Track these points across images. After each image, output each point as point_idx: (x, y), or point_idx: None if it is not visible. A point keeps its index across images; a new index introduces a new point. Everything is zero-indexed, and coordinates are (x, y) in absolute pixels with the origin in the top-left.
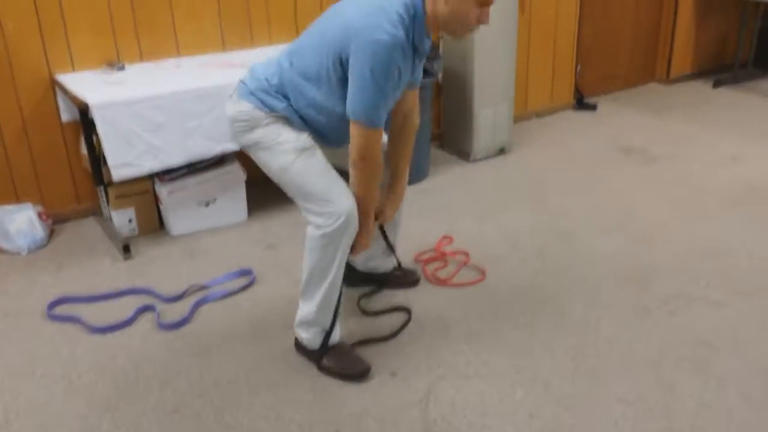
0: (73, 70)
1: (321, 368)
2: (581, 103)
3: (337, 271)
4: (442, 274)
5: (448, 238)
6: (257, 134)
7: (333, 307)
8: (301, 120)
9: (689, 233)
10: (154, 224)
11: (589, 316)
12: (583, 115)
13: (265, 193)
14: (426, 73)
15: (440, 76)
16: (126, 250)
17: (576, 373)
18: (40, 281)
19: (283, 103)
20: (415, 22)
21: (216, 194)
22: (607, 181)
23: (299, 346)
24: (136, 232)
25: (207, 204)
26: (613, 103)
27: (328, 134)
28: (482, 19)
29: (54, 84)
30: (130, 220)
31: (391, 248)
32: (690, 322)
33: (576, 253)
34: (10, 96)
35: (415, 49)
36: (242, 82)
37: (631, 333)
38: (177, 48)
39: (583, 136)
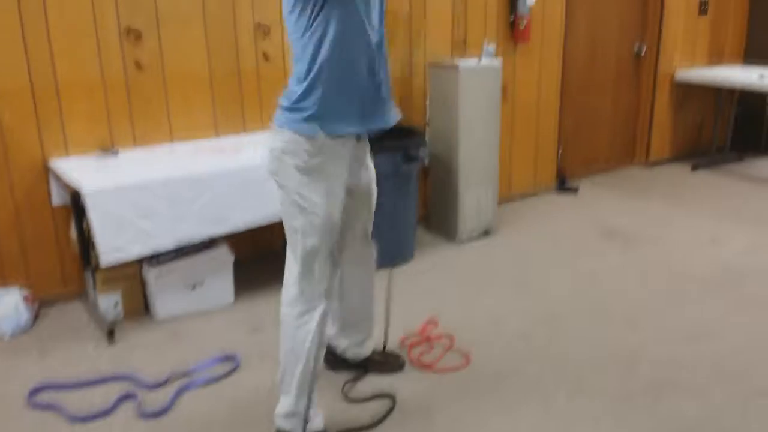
0: (67, 155)
1: None
2: (563, 185)
3: (309, 355)
4: (427, 358)
5: (433, 322)
6: (296, 182)
7: (309, 392)
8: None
9: (671, 316)
10: (140, 307)
11: (574, 403)
12: (565, 198)
13: (252, 273)
14: (412, 158)
15: (427, 160)
16: (111, 335)
17: None
18: (22, 366)
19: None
20: None
21: (203, 277)
22: (589, 264)
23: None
24: (122, 316)
25: (194, 287)
26: (594, 186)
27: (353, 96)
28: None
29: (47, 169)
30: (116, 304)
31: (380, 324)
32: (675, 411)
33: (560, 337)
34: (3, 180)
35: None
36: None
37: (618, 420)
38: (171, 134)
39: (566, 219)
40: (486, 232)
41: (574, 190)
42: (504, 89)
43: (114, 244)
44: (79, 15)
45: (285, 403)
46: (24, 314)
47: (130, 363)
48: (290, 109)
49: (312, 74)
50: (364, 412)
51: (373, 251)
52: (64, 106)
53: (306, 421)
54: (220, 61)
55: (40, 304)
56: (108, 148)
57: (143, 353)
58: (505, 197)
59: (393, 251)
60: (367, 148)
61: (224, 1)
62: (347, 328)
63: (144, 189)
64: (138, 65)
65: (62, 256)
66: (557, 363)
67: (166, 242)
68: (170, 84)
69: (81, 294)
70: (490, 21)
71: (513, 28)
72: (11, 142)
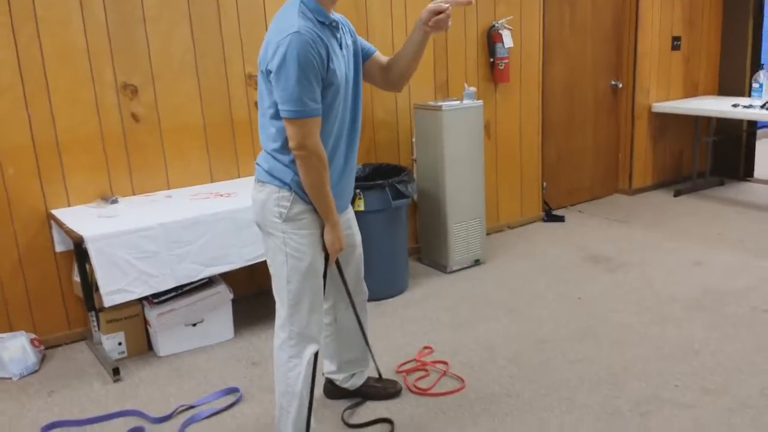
0: (69, 204)
1: None
2: (550, 215)
3: (301, 402)
4: (423, 384)
5: (428, 348)
6: (287, 228)
7: (305, 424)
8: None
9: (656, 336)
10: (143, 346)
11: (565, 422)
12: (553, 227)
13: (250, 309)
14: (401, 194)
15: (415, 196)
16: (116, 372)
17: None
18: (32, 406)
19: (292, 173)
20: (309, 5)
21: (203, 315)
22: (576, 289)
23: None
24: (125, 355)
25: (195, 324)
26: (579, 214)
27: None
28: None
29: (49, 218)
30: (119, 344)
31: (373, 357)
32: (661, 424)
33: (550, 359)
34: (8, 231)
35: (329, 27)
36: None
37: None
38: (167, 182)
39: (553, 246)
40: (476, 262)
41: (561, 219)
42: (487, 126)
43: (116, 286)
44: (77, 73)
45: None
46: (31, 357)
47: (136, 399)
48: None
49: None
50: None
51: (365, 292)
52: (65, 159)
53: None
54: (213, 111)
55: (47, 347)
56: (108, 196)
57: (148, 389)
58: (494, 228)
59: (387, 283)
60: (349, 210)
61: (216, 54)
62: (344, 365)
63: (143, 233)
64: (135, 118)
65: (66, 300)
66: (549, 384)
67: (166, 282)
68: (166, 134)
69: (86, 336)
70: (471, 63)
71: (493, 69)
72: (14, 196)
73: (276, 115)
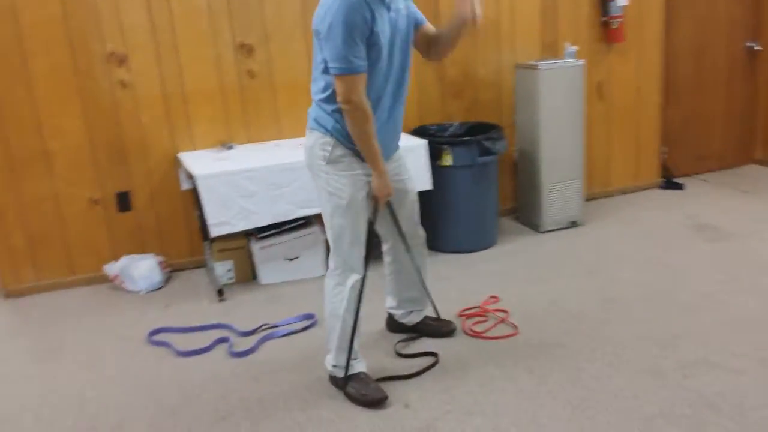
0: (194, 149)
1: (346, 394)
2: (669, 182)
3: (346, 315)
4: (479, 328)
5: (494, 298)
6: (332, 170)
7: (349, 342)
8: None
9: (733, 305)
10: (248, 274)
11: (603, 373)
12: (669, 194)
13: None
14: (488, 151)
15: (516, 155)
16: (220, 293)
17: (571, 420)
18: (149, 315)
19: (334, 122)
20: None
21: (299, 252)
22: (667, 255)
23: (330, 376)
24: (233, 280)
25: (291, 259)
26: (702, 183)
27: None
28: None
29: (177, 160)
30: (228, 270)
31: (429, 297)
32: (702, 386)
33: (612, 318)
34: (143, 169)
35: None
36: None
37: (639, 390)
38: (279, 132)
39: (660, 213)
40: (573, 223)
41: (679, 187)
42: (599, 87)
43: (221, 219)
44: (201, 33)
45: (329, 357)
46: (157, 276)
47: (231, 316)
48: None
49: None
50: (411, 366)
51: (421, 235)
52: (190, 110)
53: (347, 369)
54: None
55: (172, 270)
56: (226, 143)
57: (244, 309)
58: (603, 192)
59: (472, 237)
60: (397, 158)
61: None
62: (403, 302)
63: (246, 174)
64: (250, 74)
65: (190, 232)
66: (602, 340)
67: (264, 219)
68: (278, 90)
69: (205, 263)
70: (582, 22)
71: (606, 29)
72: (149, 139)
73: (326, 70)
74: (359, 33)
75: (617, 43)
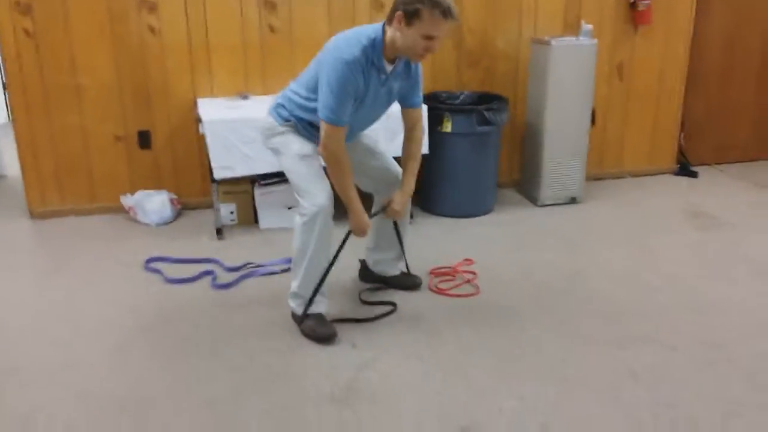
0: (213, 96)
1: (301, 330)
2: (683, 169)
3: (313, 254)
4: (444, 286)
5: (468, 261)
6: (275, 141)
7: (314, 283)
8: (303, 127)
9: (696, 290)
10: (250, 218)
11: (542, 337)
12: (679, 181)
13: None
14: (488, 122)
15: (524, 124)
16: (219, 232)
17: (494, 371)
18: (153, 245)
19: (289, 117)
20: (374, 48)
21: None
22: (651, 239)
23: (291, 313)
24: (236, 222)
25: (290, 208)
26: (720, 174)
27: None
28: (430, 49)
29: (196, 105)
30: (231, 212)
31: (403, 252)
32: (631, 357)
33: (572, 290)
34: (164, 110)
35: (378, 69)
36: (271, 105)
37: (569, 354)
38: None
39: (663, 198)
40: (573, 200)
41: (693, 175)
42: (619, 68)
43: (224, 163)
44: None
45: (293, 285)
46: (168, 211)
47: (224, 253)
48: (277, 107)
49: (302, 112)
50: (369, 312)
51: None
52: (213, 59)
53: (307, 307)
54: (339, 29)
55: (184, 207)
56: (242, 93)
57: (237, 249)
58: (612, 173)
59: (467, 203)
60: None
61: None
62: (378, 248)
63: (249, 122)
64: (271, 29)
65: (203, 174)
66: (557, 309)
67: (263, 166)
68: (296, 45)
69: (212, 204)
70: (608, 1)
71: (633, 10)
72: (172, 83)
73: (314, 91)
74: (352, 93)
75: (643, 25)
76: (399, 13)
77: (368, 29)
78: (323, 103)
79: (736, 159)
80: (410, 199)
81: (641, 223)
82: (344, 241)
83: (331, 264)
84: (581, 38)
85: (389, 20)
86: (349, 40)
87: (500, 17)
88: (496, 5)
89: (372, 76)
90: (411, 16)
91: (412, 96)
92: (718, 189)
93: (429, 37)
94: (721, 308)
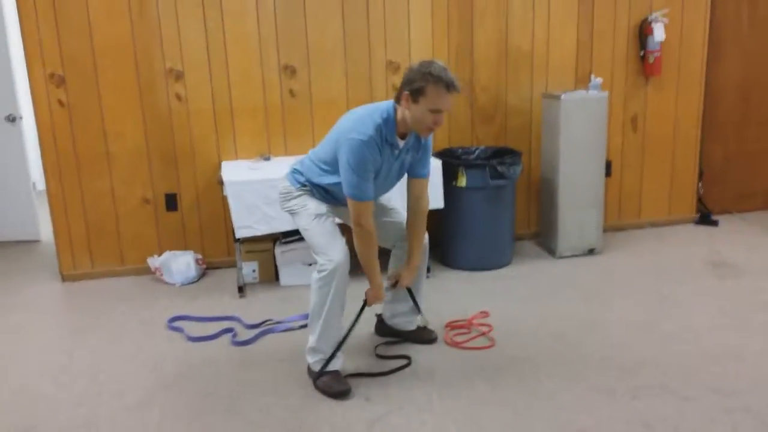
0: (236, 158)
1: (316, 386)
2: (704, 218)
3: (329, 309)
4: (459, 338)
5: (484, 313)
6: (292, 203)
7: (332, 339)
8: (317, 192)
9: (712, 339)
10: (272, 275)
11: (557, 387)
12: (700, 230)
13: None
14: (502, 176)
15: (547, 179)
16: (240, 290)
17: (509, 425)
18: (177, 304)
19: (306, 182)
20: (387, 125)
21: None
22: (670, 288)
23: (308, 368)
24: (257, 280)
25: (309, 264)
26: (740, 222)
27: (338, 199)
28: (437, 122)
29: (220, 167)
30: (253, 270)
31: (418, 309)
32: (646, 407)
33: (588, 340)
34: (191, 173)
35: (391, 145)
36: (288, 171)
37: (584, 405)
38: (313, 146)
39: (683, 248)
40: (591, 251)
41: (714, 224)
42: (633, 120)
43: (245, 223)
44: (250, 54)
45: (311, 339)
46: (193, 271)
47: (244, 311)
48: (294, 173)
49: (319, 183)
50: (385, 367)
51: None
52: (236, 123)
53: (325, 365)
54: (356, 91)
55: (209, 267)
56: (264, 154)
57: (258, 306)
58: (632, 223)
59: (484, 256)
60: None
61: (362, 42)
62: (395, 302)
63: (270, 183)
64: (292, 93)
65: (228, 233)
66: (567, 358)
67: (284, 225)
68: (316, 108)
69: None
70: (619, 55)
71: (643, 62)
72: (197, 147)
73: (332, 164)
74: (371, 168)
75: (654, 77)
76: (405, 93)
77: (380, 107)
78: (347, 183)
79: (757, 207)
80: (425, 257)
81: (660, 273)
82: (361, 311)
83: (350, 330)
84: (591, 91)
85: (397, 99)
86: (363, 119)
87: (512, 74)
88: (508, 63)
89: (386, 151)
90: (417, 94)
91: (421, 167)
92: (738, 237)
93: (436, 111)
94: (739, 357)
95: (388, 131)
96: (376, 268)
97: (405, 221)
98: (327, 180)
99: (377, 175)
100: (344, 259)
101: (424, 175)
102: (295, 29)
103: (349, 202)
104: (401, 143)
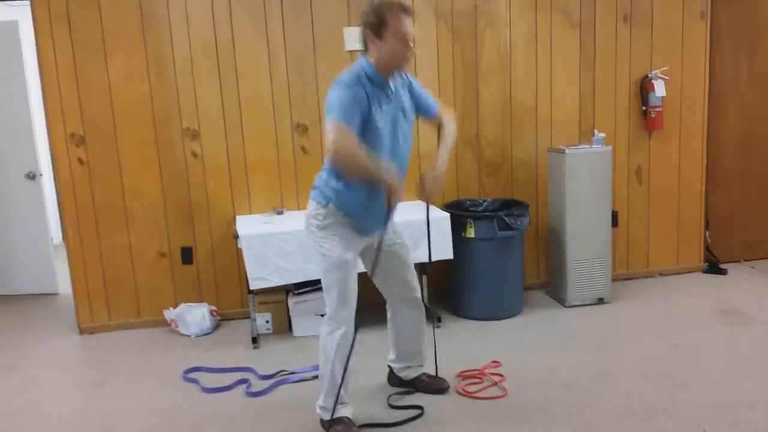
0: (250, 212)
1: None
2: (712, 266)
3: (333, 367)
4: (471, 388)
5: (496, 362)
6: (320, 237)
7: (336, 392)
8: (342, 200)
9: (727, 388)
10: (285, 326)
11: None
12: (709, 278)
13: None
14: (509, 227)
15: (551, 228)
16: (254, 341)
17: None
18: (192, 356)
19: (330, 194)
20: (369, 70)
21: None
22: (680, 336)
23: (320, 420)
24: (271, 331)
25: (322, 315)
26: (749, 270)
27: (362, 214)
28: (409, 46)
29: (235, 221)
30: (267, 321)
31: (422, 354)
32: None
33: (601, 390)
34: (206, 227)
35: (381, 88)
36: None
37: None
38: None
39: (693, 296)
40: (600, 300)
41: (722, 272)
42: (638, 172)
43: (259, 275)
44: (264, 116)
45: (320, 398)
46: (207, 323)
47: (258, 362)
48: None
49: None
50: (396, 417)
51: (417, 297)
52: (250, 179)
53: (333, 412)
54: None
55: (223, 318)
56: (277, 209)
57: (272, 357)
58: (642, 273)
59: (494, 306)
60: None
61: None
62: (401, 356)
63: (282, 236)
64: (303, 150)
65: (242, 286)
66: (580, 408)
67: (297, 277)
68: None
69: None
70: (621, 109)
71: (645, 117)
72: (212, 202)
73: None
74: (355, 102)
75: (656, 131)
76: (367, 31)
77: (352, 67)
78: (329, 110)
79: (765, 255)
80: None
81: (670, 320)
82: (388, 215)
83: (345, 367)
84: (594, 146)
85: (365, 47)
86: (342, 74)
87: (516, 130)
88: (513, 119)
89: (381, 97)
90: (379, 28)
91: (428, 108)
92: (747, 285)
93: (402, 37)
94: (751, 405)
95: (373, 75)
96: (372, 158)
97: (411, 281)
98: (343, 182)
99: (384, 122)
100: (352, 321)
101: (435, 113)
102: (307, 89)
103: (328, 125)
104: (391, 83)
